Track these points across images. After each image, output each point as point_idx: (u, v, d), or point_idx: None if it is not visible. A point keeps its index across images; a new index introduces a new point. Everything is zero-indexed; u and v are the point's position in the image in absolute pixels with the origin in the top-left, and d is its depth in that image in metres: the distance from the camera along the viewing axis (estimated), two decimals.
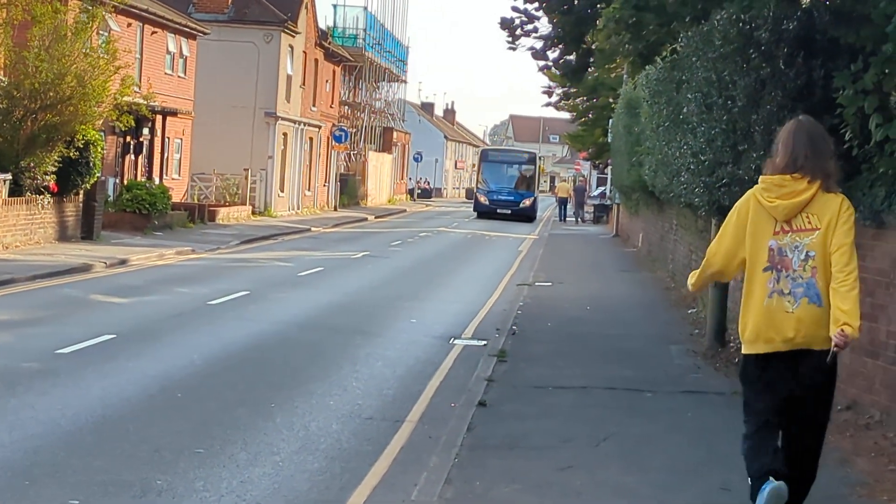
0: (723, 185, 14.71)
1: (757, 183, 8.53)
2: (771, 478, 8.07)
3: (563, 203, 76.14)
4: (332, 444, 11.66)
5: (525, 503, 9.40)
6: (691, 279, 9.02)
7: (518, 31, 16.51)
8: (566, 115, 74.61)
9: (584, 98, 58.52)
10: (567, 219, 73.70)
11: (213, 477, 10.17)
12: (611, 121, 45.79)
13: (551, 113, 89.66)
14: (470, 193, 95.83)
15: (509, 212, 70.78)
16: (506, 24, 16.48)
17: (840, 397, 12.82)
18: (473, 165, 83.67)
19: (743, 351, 8.55)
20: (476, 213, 72.94)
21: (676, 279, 26.89)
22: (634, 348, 18.10)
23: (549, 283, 28.33)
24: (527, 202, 72.64)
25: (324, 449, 11.42)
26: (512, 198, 72.33)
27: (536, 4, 16.28)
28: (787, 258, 8.18)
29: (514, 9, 16.41)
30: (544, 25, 16.48)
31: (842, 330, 7.87)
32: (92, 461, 10.45)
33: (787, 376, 8.23)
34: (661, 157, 20.36)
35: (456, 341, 18.93)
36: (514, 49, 16.67)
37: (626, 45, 18.65)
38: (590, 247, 46.37)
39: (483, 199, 73.26)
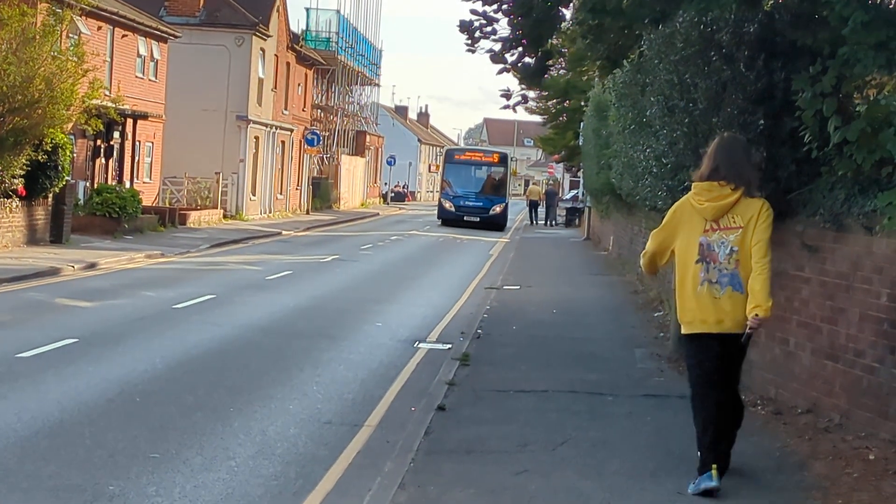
0: (685, 189, 14.63)
1: None
2: (713, 471, 9.80)
3: (534, 206, 75.66)
4: (289, 448, 11.59)
5: None
6: (642, 260, 10.66)
7: (477, 34, 16.43)
8: (540, 119, 74.22)
9: (556, 101, 58.60)
10: (538, 222, 73.38)
11: (167, 482, 10.09)
12: (582, 124, 45.82)
13: (525, 116, 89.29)
14: None
15: (477, 219, 63.93)
16: (465, 27, 16.40)
17: (800, 400, 12.86)
18: (438, 167, 75.09)
19: (682, 332, 10.21)
20: (440, 221, 65.97)
21: (644, 282, 26.89)
22: (599, 352, 18.06)
23: (518, 287, 28.29)
24: (497, 209, 65.07)
25: (280, 454, 11.35)
26: (480, 204, 64.98)
27: (495, 7, 16.22)
28: (714, 252, 9.84)
29: (473, 11, 16.34)
30: (503, 28, 16.40)
31: (755, 315, 9.65)
32: (44, 466, 10.37)
33: (717, 352, 9.91)
34: (627, 160, 20.34)
35: (420, 345, 18.88)
36: (473, 52, 16.62)
37: (599, 52, 18.61)
38: (561, 250, 46.37)
39: (448, 205, 65.58)
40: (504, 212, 65.85)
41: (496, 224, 64.11)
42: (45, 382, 14.15)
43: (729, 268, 9.78)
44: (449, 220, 64.69)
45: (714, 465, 9.80)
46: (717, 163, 9.96)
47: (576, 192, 78.22)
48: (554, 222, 73.49)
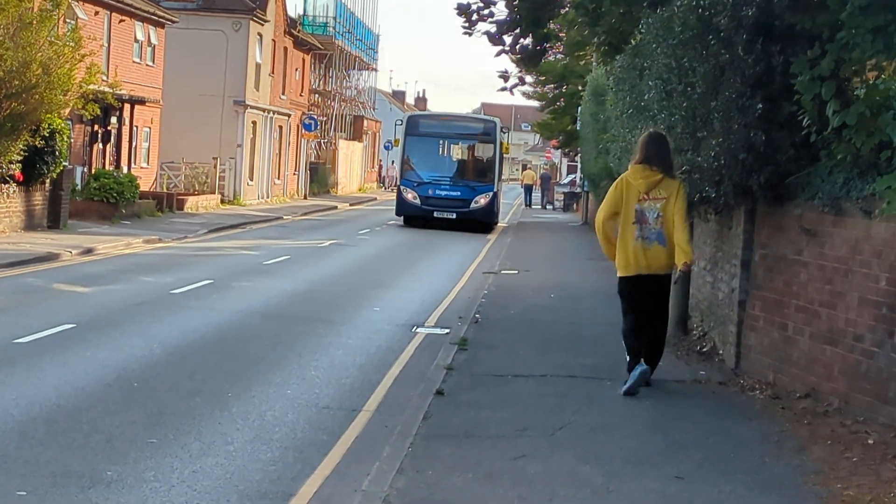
0: (683, 173, 14.64)
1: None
2: (641, 361, 13.40)
3: (528, 190, 76.67)
4: (287, 433, 11.58)
5: (476, 492, 9.33)
6: (600, 234, 13.93)
7: (474, 17, 16.38)
8: (537, 104, 74.17)
9: (554, 86, 58.52)
10: (533, 205, 73.93)
11: (165, 467, 10.08)
12: (579, 108, 45.78)
13: (523, 101, 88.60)
14: None
15: (453, 216, 46.94)
16: (462, 10, 16.34)
17: (799, 385, 12.86)
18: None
19: (618, 275, 13.71)
20: (402, 219, 48.99)
21: None
22: (597, 336, 18.04)
23: (516, 272, 28.28)
24: (481, 200, 47.32)
25: (278, 438, 11.34)
26: (457, 193, 47.24)
27: None
28: (646, 216, 13.31)
29: None
30: (501, 10, 16.36)
31: (685, 263, 13.27)
32: (42, 452, 10.35)
33: (642, 290, 13.47)
34: (625, 144, 20.27)
35: (418, 329, 18.87)
36: (470, 34, 16.57)
37: (598, 37, 18.53)
38: (558, 234, 46.33)
39: (410, 196, 47.69)
40: (491, 204, 47.79)
41: (479, 222, 47.59)
42: (43, 368, 14.12)
43: (656, 227, 13.28)
44: (413, 216, 47.98)
45: (640, 362, 13.40)
46: (648, 154, 13.37)
47: (573, 176, 78.39)
48: (550, 205, 73.82)
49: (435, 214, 46.86)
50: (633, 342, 13.61)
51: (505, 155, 52.29)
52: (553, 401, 12.99)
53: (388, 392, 13.87)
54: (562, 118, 61.05)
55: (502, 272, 28.02)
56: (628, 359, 13.63)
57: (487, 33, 16.72)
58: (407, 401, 13.13)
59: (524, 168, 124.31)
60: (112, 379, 13.76)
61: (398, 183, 49.13)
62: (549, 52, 27.92)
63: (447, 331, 18.56)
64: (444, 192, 47.25)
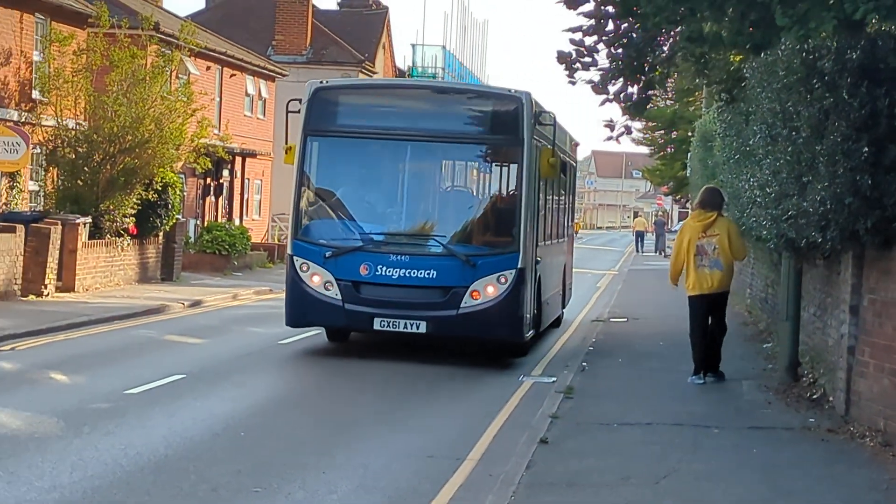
0: (789, 218, 14.51)
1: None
2: (701, 374, 17.70)
3: (639, 236, 78.06)
4: (391, 482, 11.60)
5: None
6: (671, 272, 18.44)
7: (576, 65, 16.37)
8: (647, 149, 74.12)
9: (663, 131, 58.38)
10: (644, 252, 74.36)
11: None
12: (689, 154, 45.55)
13: (634, 148, 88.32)
14: None
15: (420, 328, 19.38)
16: (563, 58, 16.28)
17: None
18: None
19: (688, 294, 17.72)
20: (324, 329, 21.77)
21: (753, 313, 26.62)
22: (706, 384, 17.86)
23: (625, 319, 28.12)
24: (488, 288, 19.25)
25: (382, 487, 11.37)
26: (430, 274, 19.34)
27: (595, 38, 16.14)
28: (705, 248, 17.33)
29: (572, 41, 16.27)
30: (603, 58, 16.35)
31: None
32: (149, 501, 10.48)
33: (706, 306, 17.61)
34: (732, 190, 20.22)
35: (524, 378, 18.79)
36: (573, 83, 16.52)
37: (711, 86, 18.39)
38: (668, 281, 45.90)
39: (317, 282, 19.54)
40: (515, 298, 19.55)
41: (483, 339, 20.41)
42: (153, 418, 14.29)
43: (713, 256, 17.29)
44: (327, 325, 21.16)
45: (702, 371, 17.61)
46: (704, 200, 17.67)
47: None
48: (663, 253, 73.72)
49: (377, 325, 19.79)
50: (698, 346, 17.64)
51: (561, 181, 26.38)
52: (658, 449, 12.90)
53: (492, 441, 13.85)
54: (672, 164, 60.85)
55: (611, 320, 27.88)
56: (694, 363, 17.73)
57: (591, 82, 16.68)
58: (511, 449, 13.07)
59: (635, 215, 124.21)
60: (220, 428, 13.90)
61: (289, 250, 20.69)
62: (658, 97, 27.69)
63: (553, 379, 18.48)
64: (397, 272, 19.65)
